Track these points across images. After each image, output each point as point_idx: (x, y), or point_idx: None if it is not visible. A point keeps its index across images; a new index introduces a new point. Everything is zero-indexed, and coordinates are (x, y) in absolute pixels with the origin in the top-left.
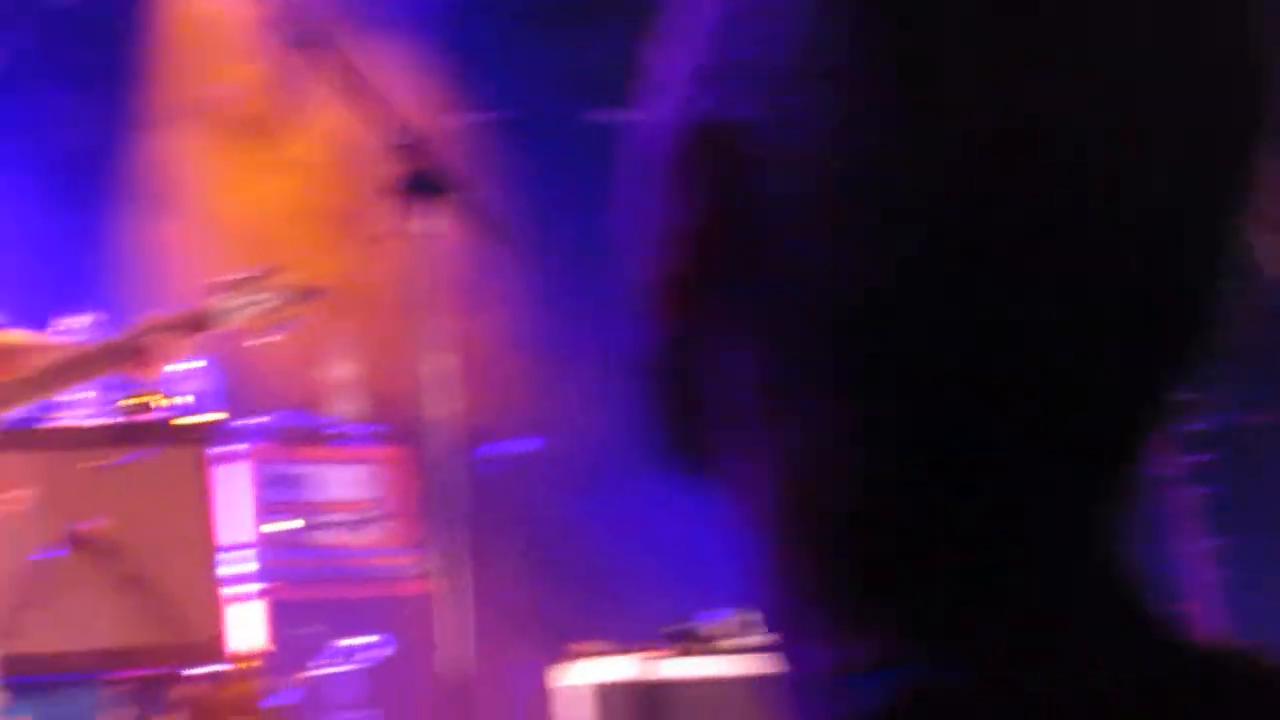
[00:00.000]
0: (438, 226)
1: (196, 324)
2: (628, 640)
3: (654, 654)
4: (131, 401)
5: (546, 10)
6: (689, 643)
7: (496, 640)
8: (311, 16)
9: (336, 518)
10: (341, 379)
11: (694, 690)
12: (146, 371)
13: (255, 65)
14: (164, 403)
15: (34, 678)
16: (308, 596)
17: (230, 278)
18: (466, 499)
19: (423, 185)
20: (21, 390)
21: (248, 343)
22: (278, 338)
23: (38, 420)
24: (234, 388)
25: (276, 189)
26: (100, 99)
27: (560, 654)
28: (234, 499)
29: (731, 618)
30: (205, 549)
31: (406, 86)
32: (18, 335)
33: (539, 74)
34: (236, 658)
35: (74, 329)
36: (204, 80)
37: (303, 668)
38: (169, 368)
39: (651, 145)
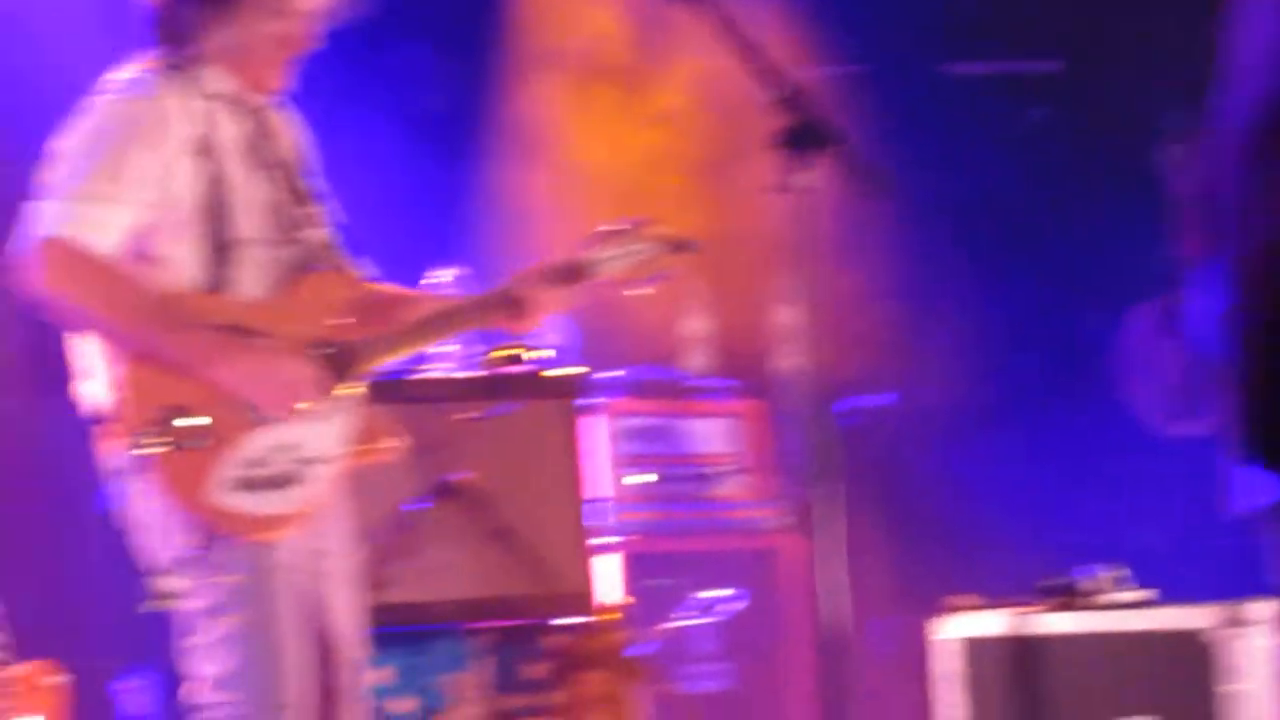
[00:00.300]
0: (816, 180)
1: (572, 275)
2: (1000, 595)
3: (1028, 609)
4: (498, 354)
5: None
6: (1065, 597)
7: (866, 595)
8: None
9: (692, 471)
10: (698, 333)
11: (1068, 646)
12: (523, 324)
13: (619, 15)
14: (529, 356)
15: (400, 627)
16: (663, 549)
17: (605, 228)
18: (829, 453)
19: (804, 138)
20: (396, 341)
21: (626, 293)
22: (649, 289)
23: (407, 373)
24: (590, 341)
25: (642, 140)
26: (464, 53)
27: (931, 608)
28: (591, 452)
29: (1105, 574)
30: (573, 501)
31: (771, 38)
32: (390, 288)
33: (897, 25)
34: (598, 609)
35: (443, 282)
36: (568, 31)
37: (659, 620)
38: (545, 319)
39: None
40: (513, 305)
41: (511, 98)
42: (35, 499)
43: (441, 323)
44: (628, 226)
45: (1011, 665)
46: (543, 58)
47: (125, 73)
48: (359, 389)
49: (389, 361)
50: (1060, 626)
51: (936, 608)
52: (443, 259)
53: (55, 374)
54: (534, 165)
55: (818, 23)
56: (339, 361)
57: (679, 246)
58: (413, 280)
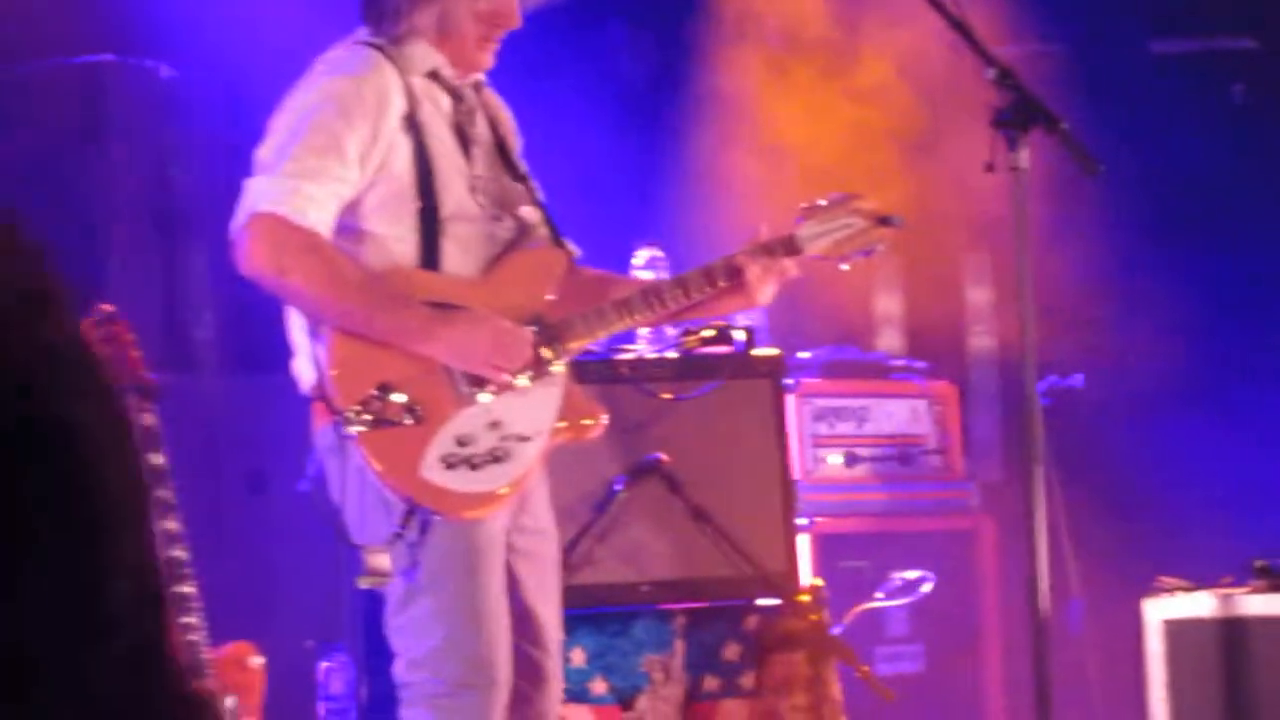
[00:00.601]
0: (1026, 159)
1: (786, 249)
2: (1205, 576)
3: (1233, 590)
4: (696, 335)
5: None
6: (1272, 579)
7: (1066, 576)
8: None
9: (885, 452)
10: (889, 312)
11: (1274, 628)
12: (743, 300)
13: None
14: (728, 335)
15: (598, 608)
16: (855, 530)
17: (813, 203)
18: (1028, 434)
19: (1017, 117)
20: (604, 319)
21: (840, 267)
22: (854, 264)
23: (609, 353)
24: (781, 321)
25: (843, 115)
26: (663, 28)
27: (1134, 590)
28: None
29: None
30: (778, 482)
31: (975, 13)
32: (596, 270)
33: (1100, 3)
34: (796, 590)
35: (648, 261)
36: (768, 3)
37: (851, 602)
38: (764, 295)
39: None
40: (734, 279)
41: (711, 72)
42: (231, 478)
43: (652, 299)
44: (836, 200)
45: (1216, 647)
46: (743, 32)
47: (336, 51)
48: (566, 365)
49: (596, 339)
50: (1267, 609)
51: (1140, 589)
52: (642, 236)
53: (247, 354)
54: (734, 141)
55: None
56: (548, 337)
57: (886, 221)
58: (615, 256)
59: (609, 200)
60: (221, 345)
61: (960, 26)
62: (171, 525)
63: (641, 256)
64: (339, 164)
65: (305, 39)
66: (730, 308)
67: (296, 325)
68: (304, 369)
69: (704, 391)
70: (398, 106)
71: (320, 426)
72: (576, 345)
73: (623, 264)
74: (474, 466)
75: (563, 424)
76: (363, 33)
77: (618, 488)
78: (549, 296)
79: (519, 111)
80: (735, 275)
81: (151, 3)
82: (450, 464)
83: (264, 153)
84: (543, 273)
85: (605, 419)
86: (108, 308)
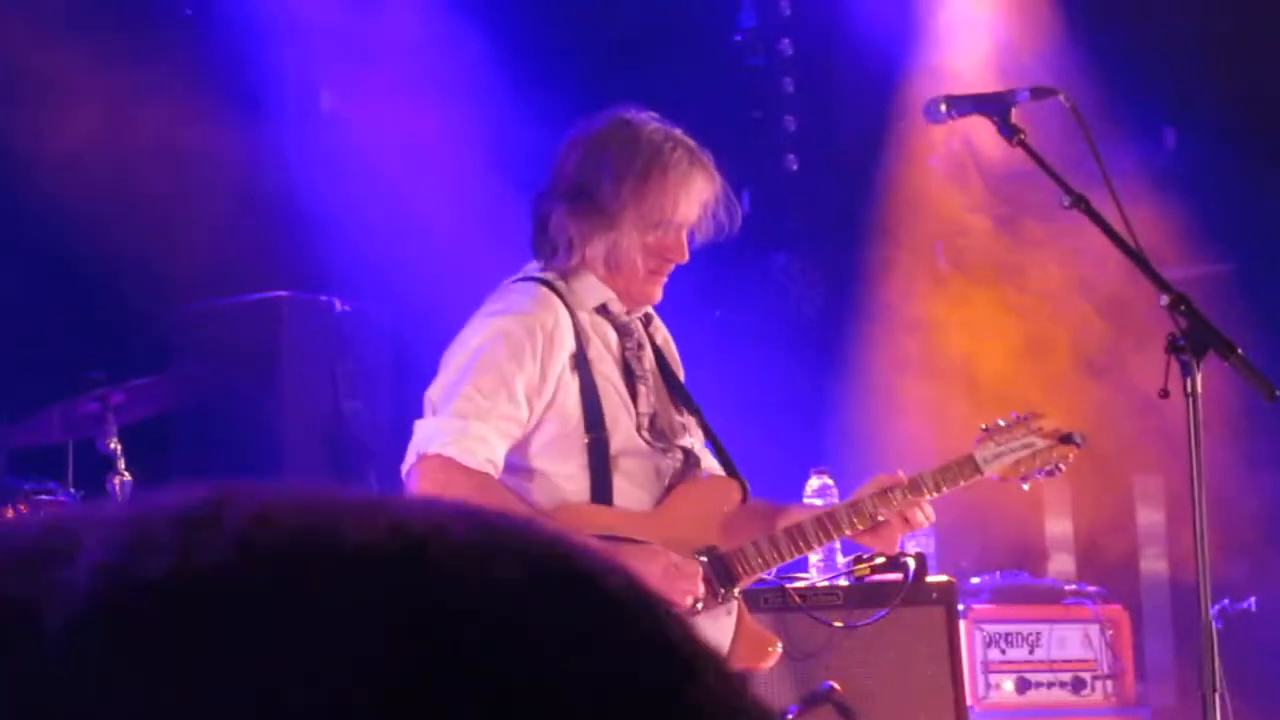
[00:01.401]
0: (1200, 384)
1: (966, 472)
2: None
3: None
4: (868, 562)
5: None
6: None
7: None
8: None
9: (1056, 676)
10: (1061, 536)
11: None
12: (883, 540)
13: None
14: (900, 562)
15: None
16: None
17: (995, 423)
18: (1203, 659)
19: (1194, 343)
20: (770, 551)
21: (1023, 487)
22: (1035, 483)
23: (780, 581)
24: (951, 546)
25: (1012, 332)
26: (830, 254)
27: None
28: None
29: None
30: (951, 710)
31: (1148, 236)
32: (763, 501)
33: (1262, 221)
34: None
35: (819, 489)
36: (936, 226)
37: None
38: (904, 535)
39: None
40: (874, 521)
41: (880, 297)
42: None
43: (813, 532)
44: (1016, 420)
45: None
46: (911, 255)
47: (507, 287)
48: (739, 595)
49: (768, 568)
50: None
51: None
52: (814, 463)
53: None
54: (904, 363)
55: (1189, 220)
56: (719, 568)
57: (1068, 439)
58: (788, 483)
59: (780, 428)
60: None
61: (1132, 252)
62: None
63: (813, 484)
64: (508, 403)
65: (473, 273)
66: (880, 545)
67: None
68: None
69: (876, 619)
70: (567, 345)
71: None
72: (748, 575)
73: (796, 492)
74: None
75: (736, 655)
76: (533, 267)
77: (790, 717)
78: (721, 528)
79: (688, 339)
80: (878, 517)
81: (326, 241)
82: None
83: (433, 392)
84: (715, 504)
85: (779, 648)
86: None
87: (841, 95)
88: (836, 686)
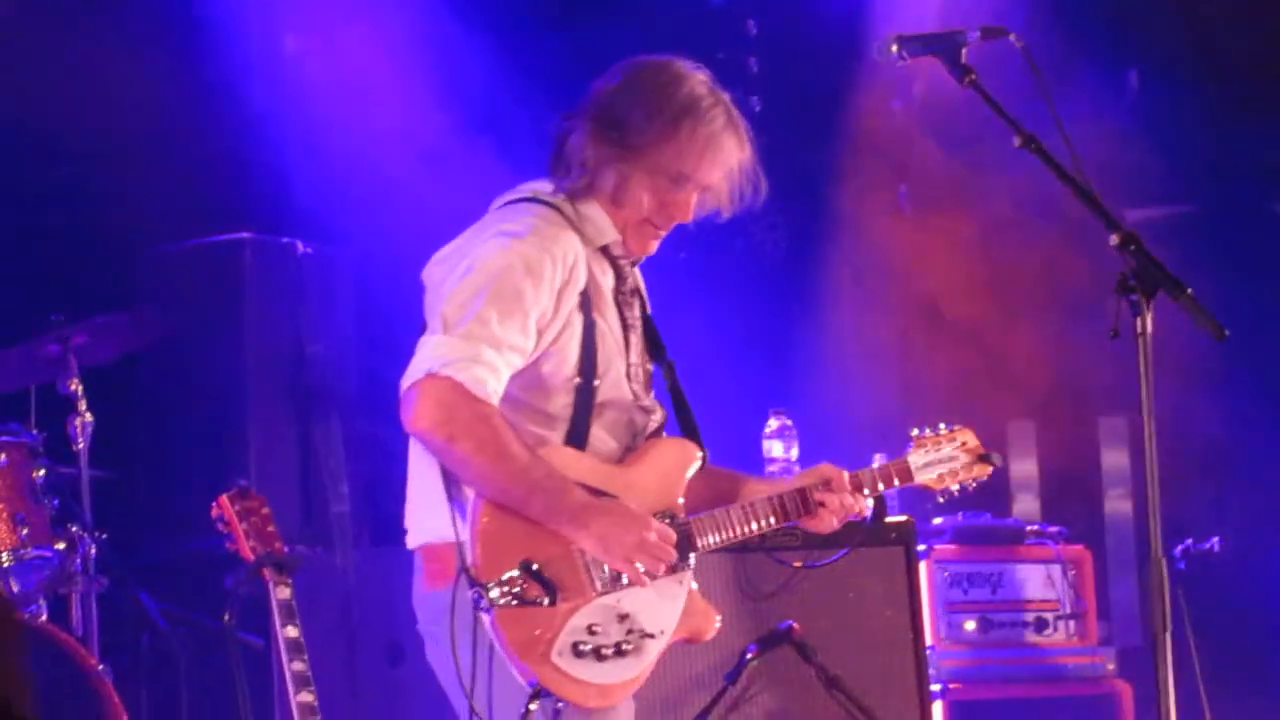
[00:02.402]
0: (1151, 325)
1: (900, 477)
2: None
3: None
4: None
5: (1239, 100)
6: None
7: None
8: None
9: (1019, 617)
10: (1021, 476)
11: None
12: (818, 525)
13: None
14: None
15: None
16: (989, 696)
17: (925, 431)
18: (1162, 598)
19: (1142, 283)
20: (727, 526)
21: (939, 500)
22: (953, 493)
23: None
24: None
25: (976, 264)
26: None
27: None
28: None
29: None
30: (910, 648)
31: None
32: (721, 469)
33: (1225, 165)
34: None
35: (779, 429)
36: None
37: None
38: (837, 523)
39: None
40: (806, 506)
41: (843, 238)
42: (367, 651)
43: (764, 513)
44: (945, 433)
45: None
46: (874, 195)
47: (523, 205)
48: (690, 567)
49: (723, 543)
50: None
51: None
52: (776, 403)
53: (382, 527)
54: (868, 304)
55: (1151, 161)
56: (681, 536)
57: (985, 459)
58: (748, 423)
59: (742, 368)
60: (357, 518)
61: (1083, 192)
62: (308, 698)
63: (772, 424)
64: (519, 334)
65: (434, 215)
66: (815, 528)
67: (430, 478)
68: (428, 524)
69: (835, 559)
70: (579, 283)
71: (439, 588)
72: (704, 545)
73: (755, 430)
74: (600, 657)
75: (685, 622)
76: (542, 186)
77: (749, 656)
78: (680, 490)
79: (653, 281)
80: (819, 504)
81: (288, 184)
82: (579, 652)
83: (448, 308)
84: (678, 467)
85: (719, 621)
86: (244, 482)
87: (805, 36)
88: (795, 626)
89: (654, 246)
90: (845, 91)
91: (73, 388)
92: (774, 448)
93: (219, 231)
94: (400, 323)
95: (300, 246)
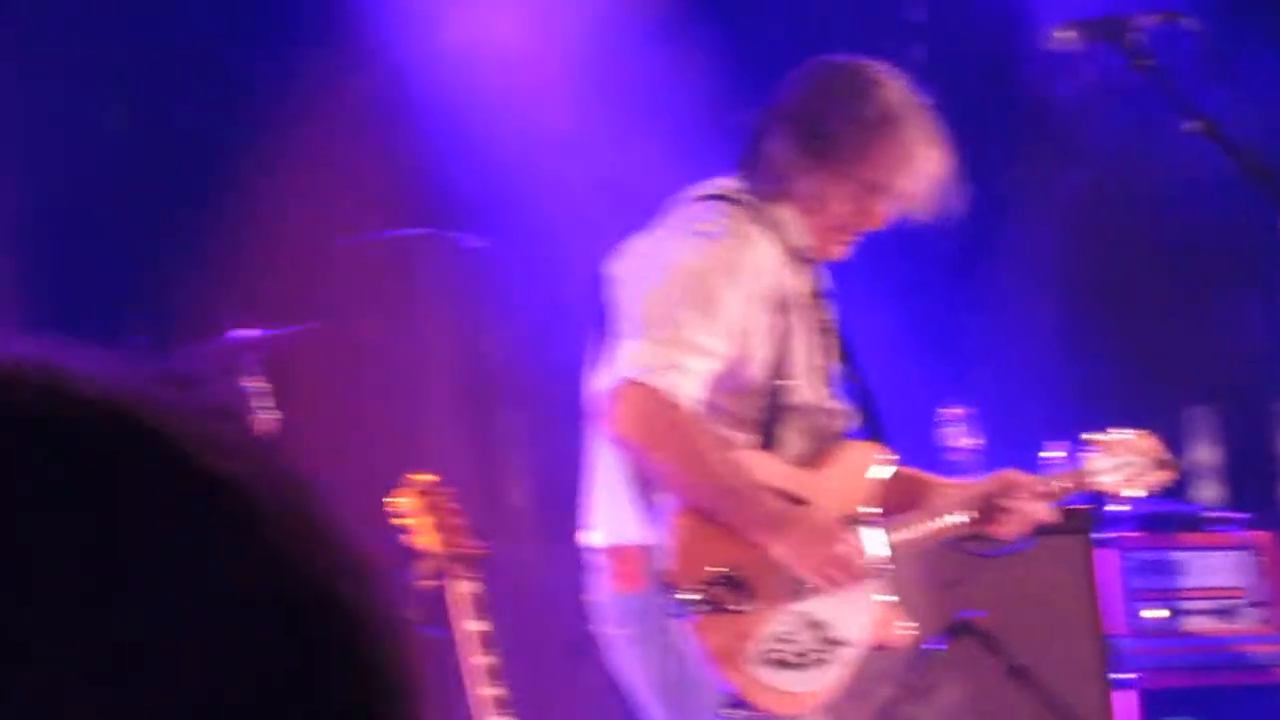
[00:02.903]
0: None
1: (1078, 484)
2: None
3: None
4: None
5: None
6: None
7: None
8: None
9: (1205, 604)
10: (1205, 462)
11: None
12: (998, 531)
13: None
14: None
15: None
16: (1178, 684)
17: (1101, 435)
18: None
19: None
20: (917, 529)
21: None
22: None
23: None
24: None
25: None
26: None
27: None
28: (1103, 587)
29: None
30: (1093, 639)
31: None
32: (909, 470)
33: None
34: None
35: (953, 420)
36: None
37: None
38: (1019, 530)
39: None
40: (998, 514)
41: (1016, 220)
42: (551, 645)
43: (950, 518)
44: (1122, 436)
45: None
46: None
47: (716, 209)
48: (888, 569)
49: (911, 547)
50: None
51: None
52: (949, 394)
53: (563, 520)
54: (1042, 287)
55: None
56: (869, 542)
57: (1165, 464)
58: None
59: (910, 357)
60: (537, 512)
61: (1261, 173)
62: (498, 691)
63: (950, 416)
64: (715, 338)
65: (603, 210)
66: (998, 534)
67: (623, 480)
68: (618, 525)
69: (1017, 549)
70: (773, 286)
71: (628, 591)
72: (891, 553)
73: (928, 423)
74: (792, 665)
75: (877, 629)
76: (733, 184)
77: (934, 647)
78: (869, 495)
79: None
80: (1001, 510)
81: (459, 177)
82: (770, 660)
83: (643, 310)
84: (865, 470)
85: (915, 629)
86: (430, 476)
87: (971, 19)
88: (979, 616)
89: (845, 251)
90: (1013, 75)
91: (251, 384)
92: (953, 440)
93: (391, 227)
94: (572, 316)
95: (471, 241)
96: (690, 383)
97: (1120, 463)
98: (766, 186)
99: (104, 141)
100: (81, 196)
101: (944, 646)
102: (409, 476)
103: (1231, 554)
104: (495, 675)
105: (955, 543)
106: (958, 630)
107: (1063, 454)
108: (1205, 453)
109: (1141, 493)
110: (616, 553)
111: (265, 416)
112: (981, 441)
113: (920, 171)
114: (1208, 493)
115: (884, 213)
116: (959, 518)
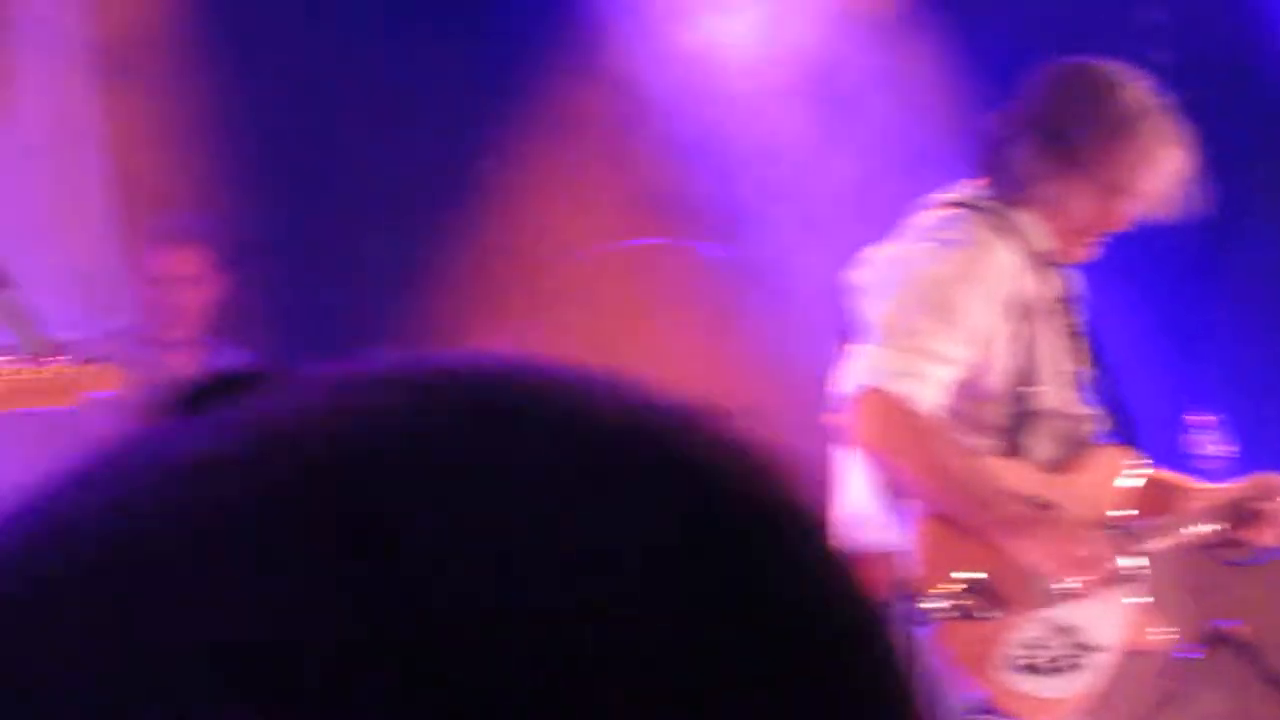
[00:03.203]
0: None
1: None
2: None
3: None
4: None
5: None
6: None
7: None
8: None
9: None
10: None
11: None
12: (1254, 536)
13: None
14: None
15: None
16: None
17: None
18: None
19: None
20: (1169, 532)
21: None
22: None
23: None
24: None
25: None
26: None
27: None
28: None
29: None
30: None
31: None
32: (1160, 473)
33: None
34: None
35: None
36: None
37: None
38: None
39: None
40: (1253, 519)
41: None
42: None
43: (1203, 523)
44: None
45: None
46: None
47: (961, 217)
48: (1142, 573)
49: (1155, 552)
50: None
51: None
52: (1197, 398)
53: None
54: None
55: None
56: (1119, 546)
57: None
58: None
59: (1157, 360)
60: None
61: None
62: None
63: (1201, 421)
64: (956, 345)
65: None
66: (1255, 541)
67: (864, 485)
68: (858, 530)
69: (1276, 557)
70: (1017, 292)
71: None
72: (1142, 558)
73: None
74: (1041, 671)
75: (1132, 633)
76: (974, 190)
77: (1190, 655)
78: (1118, 501)
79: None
80: (1250, 514)
81: (701, 187)
82: (1018, 666)
83: (883, 316)
84: (1114, 476)
85: (1175, 633)
86: None
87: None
88: (1236, 624)
89: (1091, 254)
90: (1255, 73)
91: None
92: (1204, 448)
93: (629, 237)
94: (813, 325)
95: (715, 250)
96: (931, 390)
97: None
98: (1008, 192)
99: (370, 167)
100: (344, 218)
101: (1201, 655)
102: None
103: None
104: None
105: (1209, 549)
106: (1214, 639)
107: None
108: None
109: None
110: (860, 559)
111: None
112: (1234, 449)
113: (1161, 172)
114: None
115: (1127, 214)
116: (1214, 524)
